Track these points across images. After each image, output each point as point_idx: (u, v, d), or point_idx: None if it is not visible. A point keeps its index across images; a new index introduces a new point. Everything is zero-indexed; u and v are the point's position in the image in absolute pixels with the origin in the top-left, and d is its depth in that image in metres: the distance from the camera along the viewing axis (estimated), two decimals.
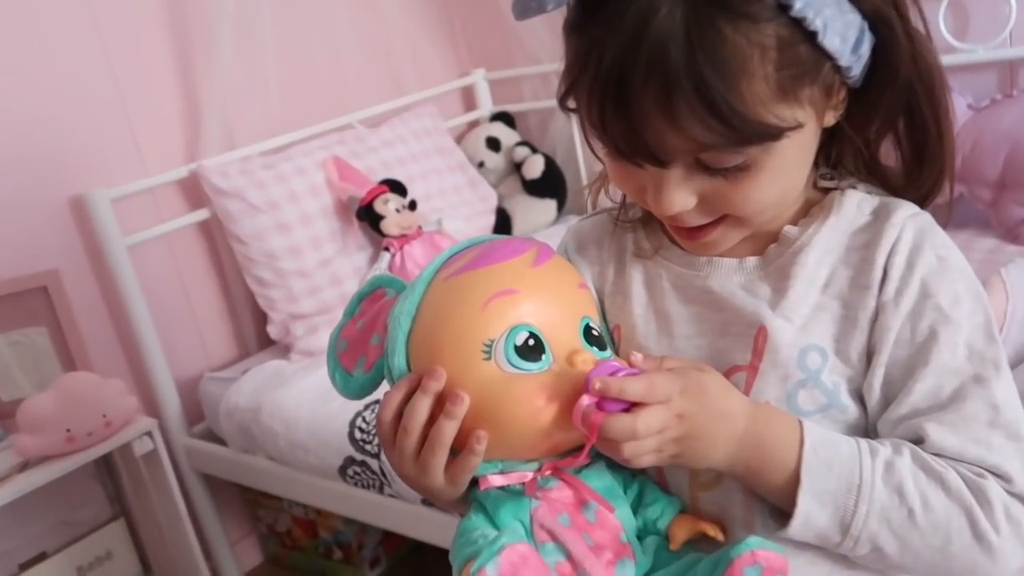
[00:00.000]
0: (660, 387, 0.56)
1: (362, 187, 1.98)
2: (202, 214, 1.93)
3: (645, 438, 0.56)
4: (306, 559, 2.01)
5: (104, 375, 1.70)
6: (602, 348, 0.64)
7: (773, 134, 0.55)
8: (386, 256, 1.97)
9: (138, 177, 1.85)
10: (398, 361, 0.63)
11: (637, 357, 0.60)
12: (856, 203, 0.65)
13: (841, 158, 0.67)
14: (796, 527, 0.58)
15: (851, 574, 0.63)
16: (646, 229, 0.72)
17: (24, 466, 1.46)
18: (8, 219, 1.68)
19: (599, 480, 0.64)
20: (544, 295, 0.62)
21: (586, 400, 0.56)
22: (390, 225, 1.96)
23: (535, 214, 2.34)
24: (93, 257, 1.80)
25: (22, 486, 1.41)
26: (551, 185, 2.34)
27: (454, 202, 2.22)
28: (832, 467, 0.58)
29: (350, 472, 1.58)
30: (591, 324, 0.64)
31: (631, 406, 0.56)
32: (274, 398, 1.71)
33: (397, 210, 1.97)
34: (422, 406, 0.60)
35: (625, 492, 0.65)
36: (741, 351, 0.63)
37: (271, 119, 2.05)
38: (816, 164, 0.65)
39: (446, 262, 0.65)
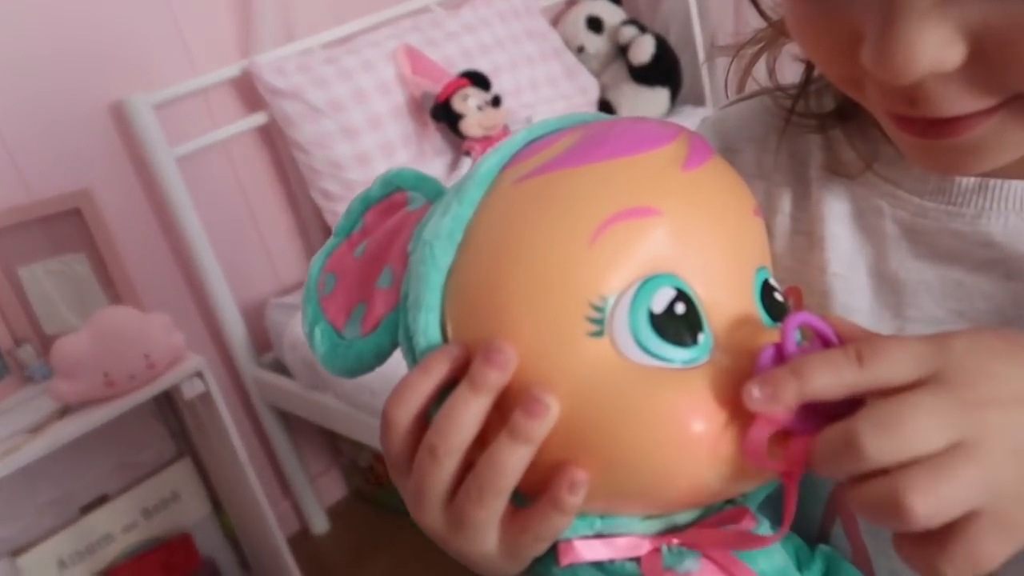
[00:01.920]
0: (896, 356, 0.30)
1: (438, 81, 1.70)
2: (259, 118, 1.70)
3: (916, 457, 0.28)
4: (389, 496, 1.85)
5: (159, 304, 1.53)
6: None
7: None
8: (467, 162, 1.70)
9: (185, 78, 1.62)
10: (426, 322, 0.36)
11: (835, 317, 0.34)
12: None
13: None
14: None
15: None
16: (847, 127, 0.43)
17: (64, 412, 1.31)
18: (39, 132, 1.50)
19: (767, 558, 0.37)
20: (703, 223, 0.36)
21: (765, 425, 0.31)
22: (470, 125, 1.68)
23: (644, 105, 2.00)
24: (140, 172, 1.61)
25: (61, 436, 1.26)
26: (663, 70, 1.99)
27: (548, 95, 1.91)
28: None
29: None
30: (771, 280, 0.38)
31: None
32: None
33: (479, 107, 1.69)
34: (468, 413, 0.33)
35: (801, 572, 0.40)
36: None
37: (334, 4, 1.77)
38: None
39: (517, 154, 0.37)
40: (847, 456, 0.28)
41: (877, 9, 0.31)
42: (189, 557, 1.60)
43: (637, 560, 0.36)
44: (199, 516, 1.64)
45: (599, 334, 0.33)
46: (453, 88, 1.69)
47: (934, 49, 0.30)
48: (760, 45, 0.45)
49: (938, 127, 0.34)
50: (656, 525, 0.37)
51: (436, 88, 1.69)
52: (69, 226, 1.44)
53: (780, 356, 0.32)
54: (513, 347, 0.33)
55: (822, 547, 0.41)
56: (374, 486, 1.89)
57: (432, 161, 1.74)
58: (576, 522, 0.36)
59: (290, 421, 1.81)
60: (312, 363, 1.57)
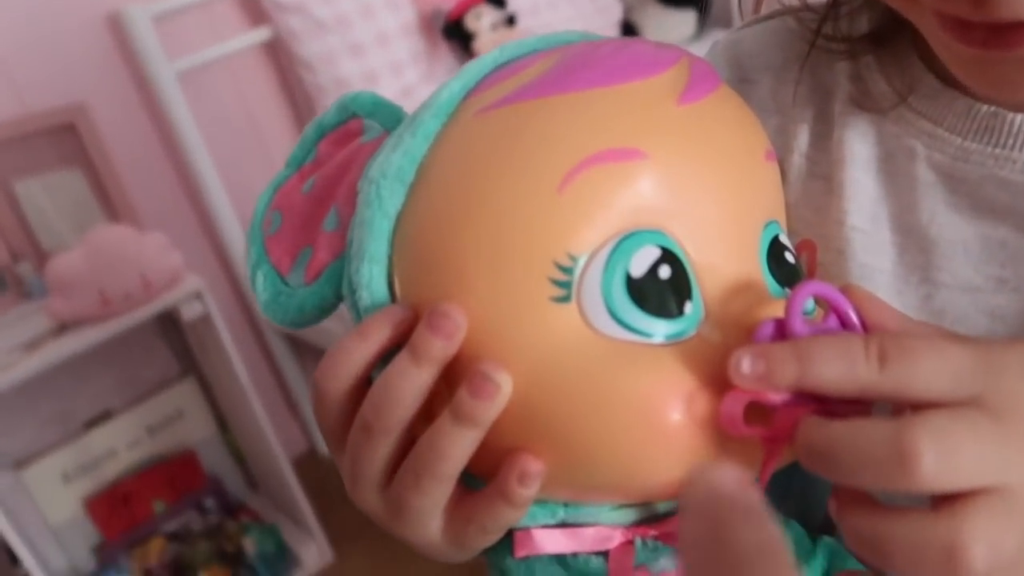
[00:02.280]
0: (930, 367, 0.24)
1: None
2: (263, 33, 1.64)
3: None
4: None
5: (160, 222, 1.51)
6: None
7: None
8: None
9: None
10: (370, 275, 0.31)
11: (859, 291, 0.29)
12: None
13: None
14: None
15: None
16: (881, 54, 0.37)
17: (62, 329, 1.30)
18: (33, 44, 1.45)
19: None
20: (700, 169, 0.30)
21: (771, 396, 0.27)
22: (483, 45, 1.61)
23: (670, 29, 1.90)
24: (139, 87, 1.56)
25: (60, 352, 1.26)
26: None
27: (567, 15, 1.82)
28: None
29: None
30: (782, 237, 0.33)
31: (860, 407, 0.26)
32: None
33: (492, 26, 1.61)
34: (407, 386, 0.29)
35: (800, 568, 0.36)
36: None
37: None
38: None
39: (484, 80, 0.33)
40: (895, 470, 0.23)
41: None
42: (194, 474, 1.62)
43: (605, 554, 0.32)
44: (205, 434, 1.65)
45: (565, 299, 0.29)
46: (466, 5, 1.61)
47: None
48: None
49: (1003, 35, 0.28)
50: (630, 515, 0.33)
51: (447, 5, 1.62)
52: (65, 141, 1.41)
53: (782, 333, 0.27)
54: (463, 312, 0.29)
55: (825, 539, 0.37)
56: None
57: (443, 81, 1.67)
58: (536, 509, 0.32)
59: (297, 342, 1.81)
60: None
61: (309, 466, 1.84)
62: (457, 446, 0.29)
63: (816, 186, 0.39)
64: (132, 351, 1.53)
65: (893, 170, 0.37)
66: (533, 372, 0.28)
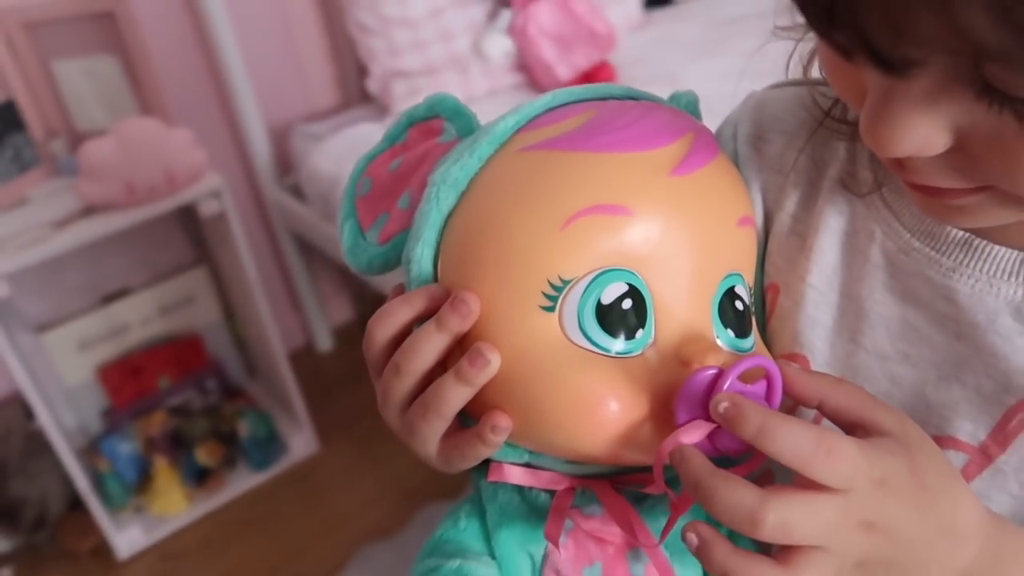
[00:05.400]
0: (843, 459, 0.32)
1: None
2: None
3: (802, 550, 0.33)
4: None
5: (188, 115, 1.58)
6: (742, 334, 0.41)
7: None
8: (505, 16, 1.67)
9: None
10: (421, 253, 0.41)
11: (791, 369, 0.37)
12: None
13: None
14: None
15: None
16: None
17: (88, 211, 1.39)
18: None
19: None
20: (674, 229, 0.39)
21: (689, 434, 0.35)
22: None
23: None
24: None
25: (86, 233, 1.35)
26: None
27: None
28: None
29: None
30: (738, 288, 0.41)
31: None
32: None
33: None
34: (429, 346, 0.39)
35: None
36: (973, 420, 0.40)
37: None
38: None
39: (534, 119, 0.41)
40: (744, 525, 0.32)
41: (877, 84, 0.31)
42: (199, 356, 1.73)
43: (552, 493, 0.43)
44: (211, 320, 1.75)
45: (550, 310, 0.38)
46: None
47: (920, 136, 0.30)
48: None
49: (926, 187, 0.35)
50: (579, 469, 0.42)
51: None
52: (104, 28, 1.45)
53: (714, 383, 0.35)
54: (478, 301, 0.39)
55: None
56: None
57: (471, 7, 1.70)
58: (508, 450, 0.42)
59: (306, 243, 1.89)
60: (327, 195, 1.62)
61: (305, 360, 1.96)
62: (455, 395, 0.39)
63: (793, 242, 0.46)
64: (152, 236, 1.62)
65: (854, 246, 0.43)
66: (515, 357, 0.38)
